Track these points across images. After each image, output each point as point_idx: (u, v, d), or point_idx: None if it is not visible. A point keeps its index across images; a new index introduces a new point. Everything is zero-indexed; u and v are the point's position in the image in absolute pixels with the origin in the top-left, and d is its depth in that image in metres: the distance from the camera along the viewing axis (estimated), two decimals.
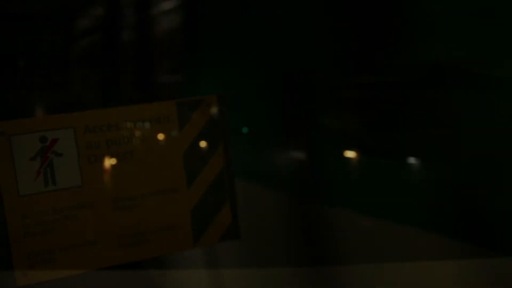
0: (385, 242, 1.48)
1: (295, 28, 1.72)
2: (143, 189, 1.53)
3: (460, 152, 1.34)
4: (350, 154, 1.63)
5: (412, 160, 1.46)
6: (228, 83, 1.89)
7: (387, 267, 1.37)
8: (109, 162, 1.51)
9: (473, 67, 1.30)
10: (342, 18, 1.60)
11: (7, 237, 1.42)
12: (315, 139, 1.70)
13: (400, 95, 1.48)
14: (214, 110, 1.58)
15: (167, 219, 1.56)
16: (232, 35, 1.85)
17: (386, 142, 1.52)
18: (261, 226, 1.77)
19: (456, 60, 1.34)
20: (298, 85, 1.69)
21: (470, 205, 1.33)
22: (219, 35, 1.84)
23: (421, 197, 1.43)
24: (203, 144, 1.59)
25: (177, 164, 1.56)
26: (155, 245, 1.54)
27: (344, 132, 1.65)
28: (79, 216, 1.48)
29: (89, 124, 1.48)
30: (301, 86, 1.69)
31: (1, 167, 1.41)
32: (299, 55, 1.72)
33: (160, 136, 1.55)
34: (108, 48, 2.18)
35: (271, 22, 1.74)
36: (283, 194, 1.81)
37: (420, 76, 1.41)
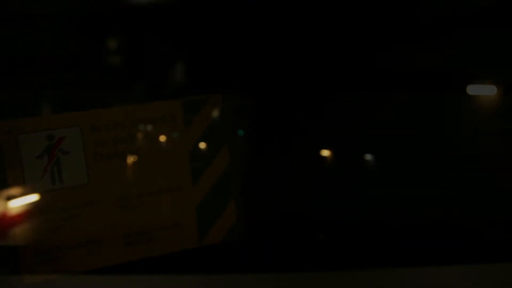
0: None
1: None
2: (149, 187, 1.54)
3: None
4: None
5: None
6: None
7: (391, 272, 1.38)
8: (115, 160, 1.51)
9: None
10: None
11: (14, 235, 1.43)
12: None
13: None
14: (219, 109, 1.59)
15: (172, 217, 1.57)
16: None
17: None
18: None
19: None
20: None
21: None
22: None
23: None
24: (208, 142, 1.60)
25: (182, 162, 1.57)
26: (161, 243, 1.55)
27: None
28: (86, 214, 1.49)
29: (96, 122, 1.49)
30: None
31: (8, 165, 1.42)
32: None
33: (166, 135, 1.56)
34: None
35: None
36: None
37: None
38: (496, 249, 1.45)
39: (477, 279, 1.34)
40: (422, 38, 1.61)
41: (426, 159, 1.58)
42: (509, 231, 1.52)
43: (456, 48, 1.60)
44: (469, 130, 1.63)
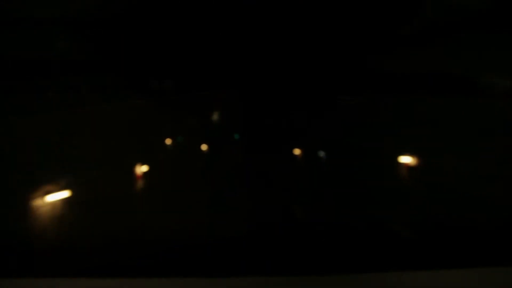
0: None
1: None
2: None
3: None
4: None
5: None
6: None
7: (390, 276, 1.39)
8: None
9: None
10: None
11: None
12: None
13: None
14: (228, 104, 1.59)
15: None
16: None
17: None
18: None
19: None
20: None
21: None
22: None
23: None
24: (214, 137, 1.60)
25: (189, 157, 1.57)
26: None
27: None
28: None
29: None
30: None
31: None
32: None
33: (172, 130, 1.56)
34: None
35: None
36: None
37: None
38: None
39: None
40: None
41: None
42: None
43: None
44: None
